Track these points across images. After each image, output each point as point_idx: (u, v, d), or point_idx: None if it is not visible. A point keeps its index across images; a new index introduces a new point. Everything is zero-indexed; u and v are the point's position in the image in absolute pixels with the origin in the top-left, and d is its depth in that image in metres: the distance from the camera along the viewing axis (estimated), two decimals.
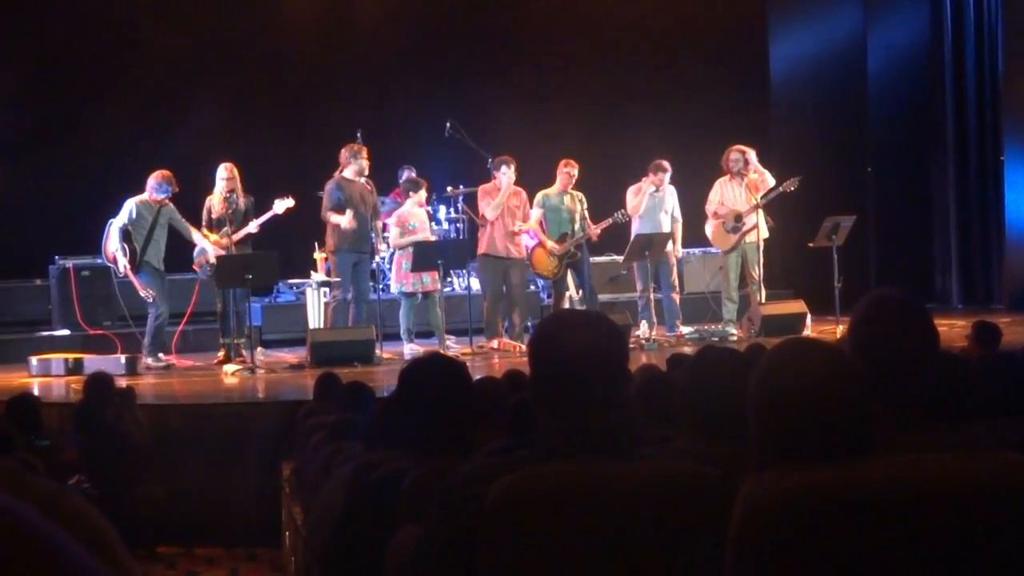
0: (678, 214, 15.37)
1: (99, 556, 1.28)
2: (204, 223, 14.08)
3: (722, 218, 15.13)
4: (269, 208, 14.11)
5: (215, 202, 14.08)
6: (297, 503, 7.50)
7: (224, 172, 14.10)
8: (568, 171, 14.99)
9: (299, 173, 15.09)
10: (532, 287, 16.63)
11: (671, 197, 15.37)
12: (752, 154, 15.14)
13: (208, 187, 14.26)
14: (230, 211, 14.00)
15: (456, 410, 4.36)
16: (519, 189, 14.95)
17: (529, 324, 14.77)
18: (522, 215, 14.86)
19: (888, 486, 2.67)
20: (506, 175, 14.73)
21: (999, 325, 9.49)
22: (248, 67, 18.25)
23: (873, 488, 2.67)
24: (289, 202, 14.15)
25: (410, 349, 14.18)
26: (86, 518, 1.39)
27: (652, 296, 15.13)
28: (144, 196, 13.95)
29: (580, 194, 15.15)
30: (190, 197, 14.61)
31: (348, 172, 14.43)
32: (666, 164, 15.31)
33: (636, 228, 15.21)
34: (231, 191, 14.05)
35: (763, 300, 15.23)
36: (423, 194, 14.79)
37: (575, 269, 15.10)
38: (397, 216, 14.73)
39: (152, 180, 13.93)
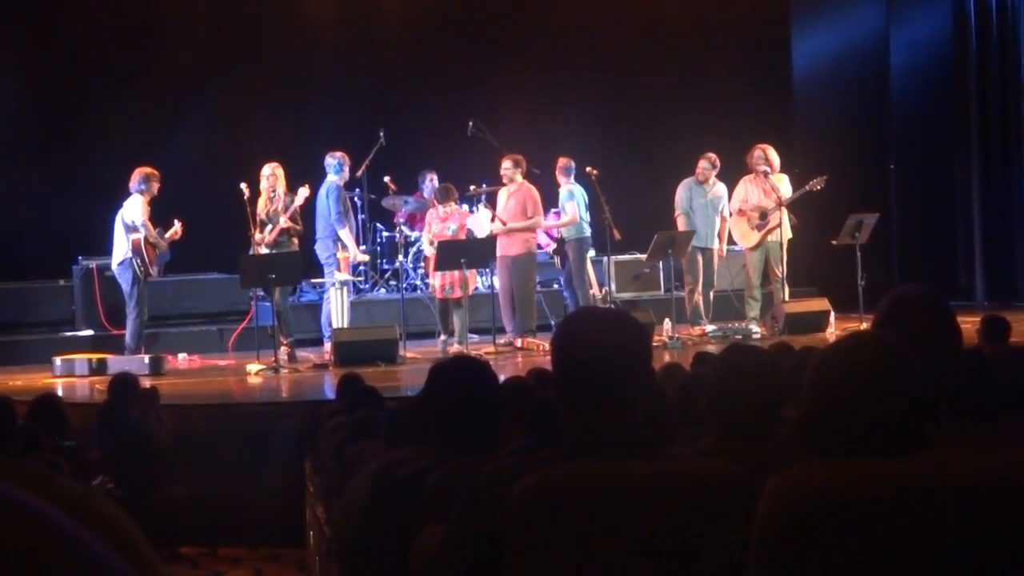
0: (727, 212, 15.37)
1: (126, 557, 1.28)
2: (258, 225, 14.08)
3: (747, 215, 15.11)
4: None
5: (260, 202, 14.12)
6: (321, 503, 7.51)
7: (266, 170, 14.14)
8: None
9: (321, 172, 15.08)
10: (555, 286, 16.68)
11: (722, 195, 15.39)
12: (773, 156, 15.10)
13: (228, 187, 14.29)
14: (271, 210, 14.04)
15: (482, 410, 4.37)
16: (522, 185, 14.94)
17: (552, 322, 14.81)
18: (518, 212, 14.85)
19: (914, 484, 2.67)
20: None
21: (1008, 320, 9.47)
22: (269, 68, 18.27)
23: (899, 486, 2.66)
24: (304, 191, 14.22)
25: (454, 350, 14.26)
26: (113, 519, 1.39)
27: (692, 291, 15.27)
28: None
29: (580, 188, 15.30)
30: (212, 195, 14.64)
31: (340, 179, 14.64)
32: (711, 155, 15.36)
33: (683, 226, 15.25)
34: (272, 189, 14.07)
35: (787, 298, 15.22)
36: (443, 207, 14.86)
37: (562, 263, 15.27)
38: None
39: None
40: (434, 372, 4.59)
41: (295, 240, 14.25)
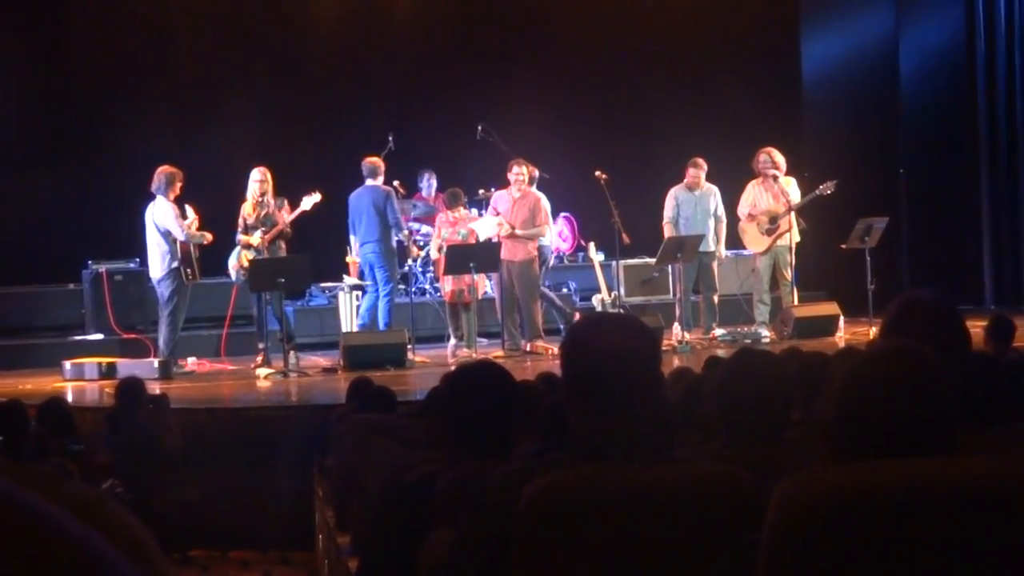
0: (721, 212, 15.32)
1: (136, 561, 1.28)
2: (240, 228, 14.05)
3: (756, 220, 15.08)
4: (297, 205, 14.18)
5: (248, 206, 14.07)
6: (330, 506, 7.51)
7: (257, 175, 14.10)
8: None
9: (330, 176, 15.11)
10: (564, 289, 16.67)
11: (714, 197, 15.33)
12: (779, 158, 15.06)
13: (237, 189, 14.28)
14: (262, 214, 14.01)
15: (503, 415, 4.37)
16: (527, 192, 14.91)
17: (561, 327, 14.81)
18: (529, 219, 14.81)
19: (924, 488, 2.66)
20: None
21: (1015, 323, 9.49)
22: (277, 70, 18.29)
23: (909, 490, 2.66)
24: (316, 197, 14.20)
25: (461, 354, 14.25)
26: (123, 522, 1.39)
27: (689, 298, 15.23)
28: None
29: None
30: (221, 199, 14.65)
31: (381, 183, 14.71)
32: (699, 160, 15.29)
33: (670, 233, 15.19)
34: (263, 194, 14.05)
35: (796, 302, 15.20)
36: (453, 212, 14.93)
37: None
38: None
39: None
40: (457, 375, 4.59)
41: (283, 244, 14.21)
